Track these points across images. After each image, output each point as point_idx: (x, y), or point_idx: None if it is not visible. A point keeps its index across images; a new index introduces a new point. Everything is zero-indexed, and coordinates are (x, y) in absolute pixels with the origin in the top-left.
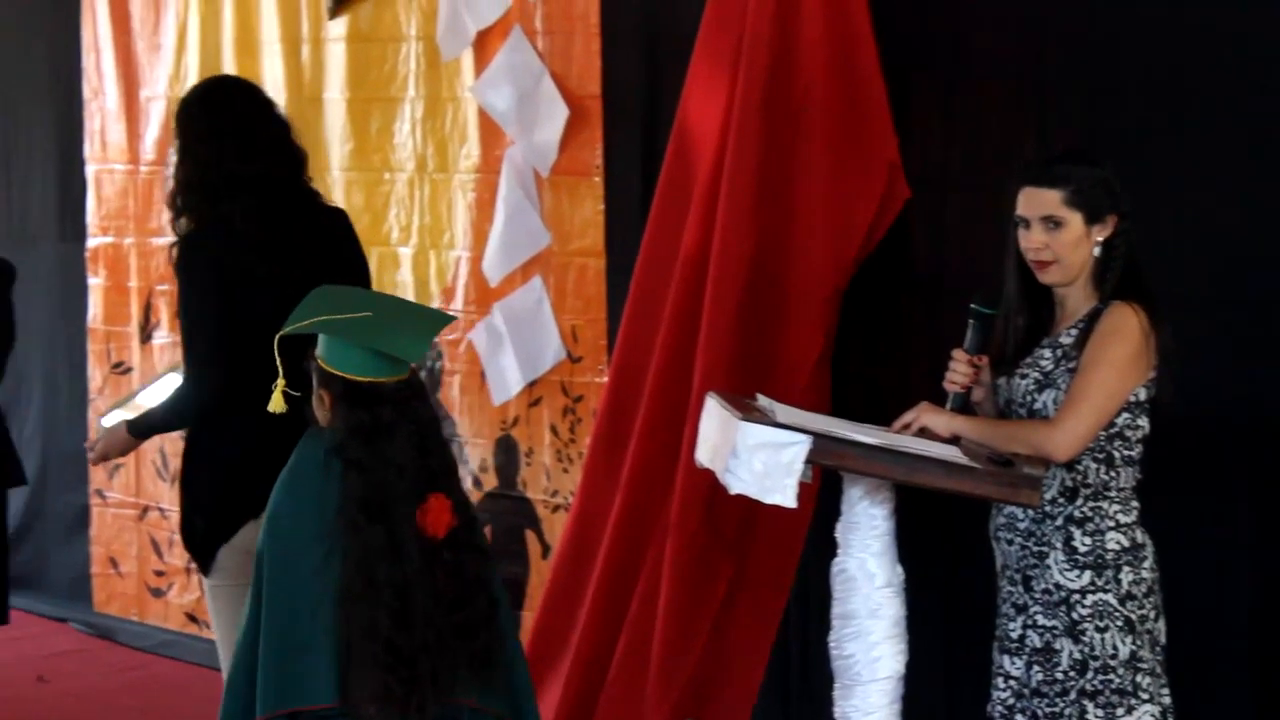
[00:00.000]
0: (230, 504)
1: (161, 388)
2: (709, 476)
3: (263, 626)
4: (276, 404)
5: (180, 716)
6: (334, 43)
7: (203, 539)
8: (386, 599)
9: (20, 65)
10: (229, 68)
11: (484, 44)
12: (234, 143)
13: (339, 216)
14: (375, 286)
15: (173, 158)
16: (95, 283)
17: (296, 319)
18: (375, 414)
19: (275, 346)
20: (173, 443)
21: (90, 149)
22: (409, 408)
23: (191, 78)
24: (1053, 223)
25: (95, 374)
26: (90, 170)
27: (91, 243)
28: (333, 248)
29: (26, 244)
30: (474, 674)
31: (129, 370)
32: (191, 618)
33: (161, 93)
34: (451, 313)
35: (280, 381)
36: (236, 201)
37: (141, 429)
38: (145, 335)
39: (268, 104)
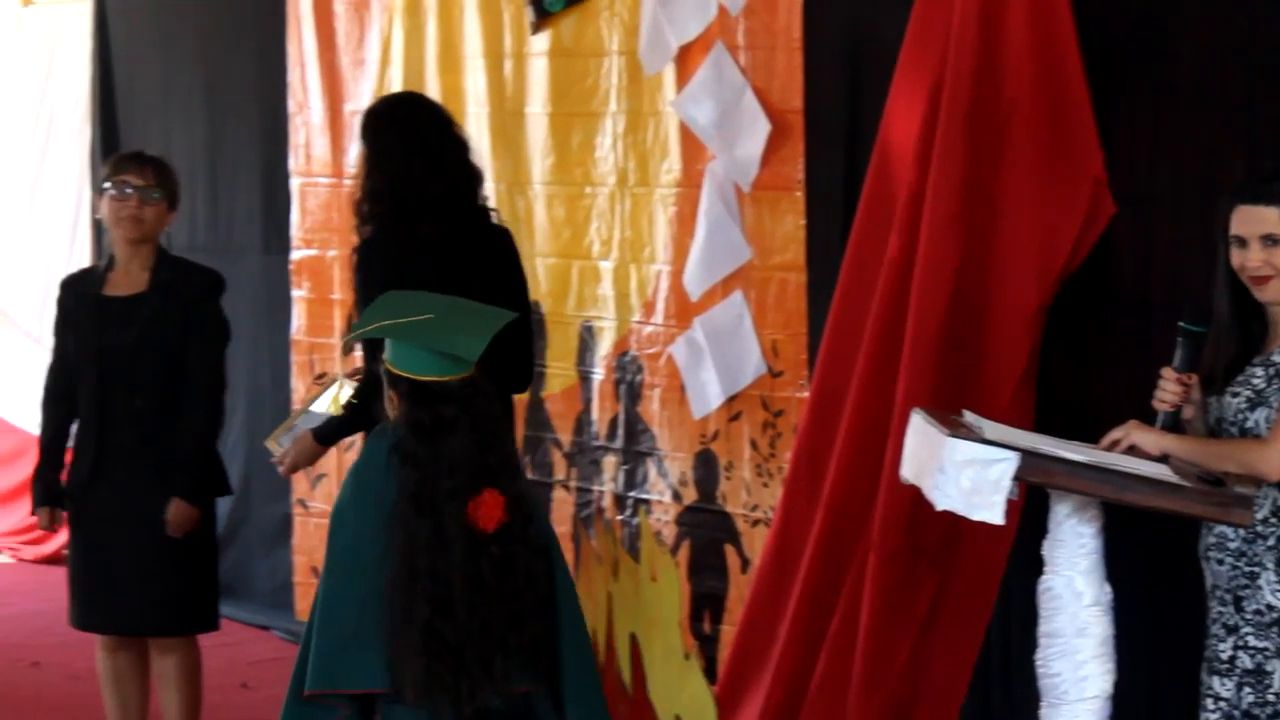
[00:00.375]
0: None
1: (327, 399)
2: (911, 493)
3: (319, 612)
4: (335, 406)
5: None
6: (536, 57)
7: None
8: (427, 588)
9: (227, 80)
10: (432, 82)
11: (686, 59)
12: (422, 160)
13: (504, 235)
14: (575, 300)
15: (353, 165)
16: (299, 295)
17: (363, 324)
18: (436, 411)
19: (341, 351)
20: None
21: (294, 162)
22: (471, 405)
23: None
24: (1271, 240)
25: (298, 385)
26: (295, 183)
27: (295, 255)
28: (494, 263)
29: (232, 256)
30: (527, 664)
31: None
32: None
33: (365, 107)
34: (647, 324)
35: (338, 387)
36: (422, 216)
37: (326, 435)
38: (348, 347)
39: (451, 123)
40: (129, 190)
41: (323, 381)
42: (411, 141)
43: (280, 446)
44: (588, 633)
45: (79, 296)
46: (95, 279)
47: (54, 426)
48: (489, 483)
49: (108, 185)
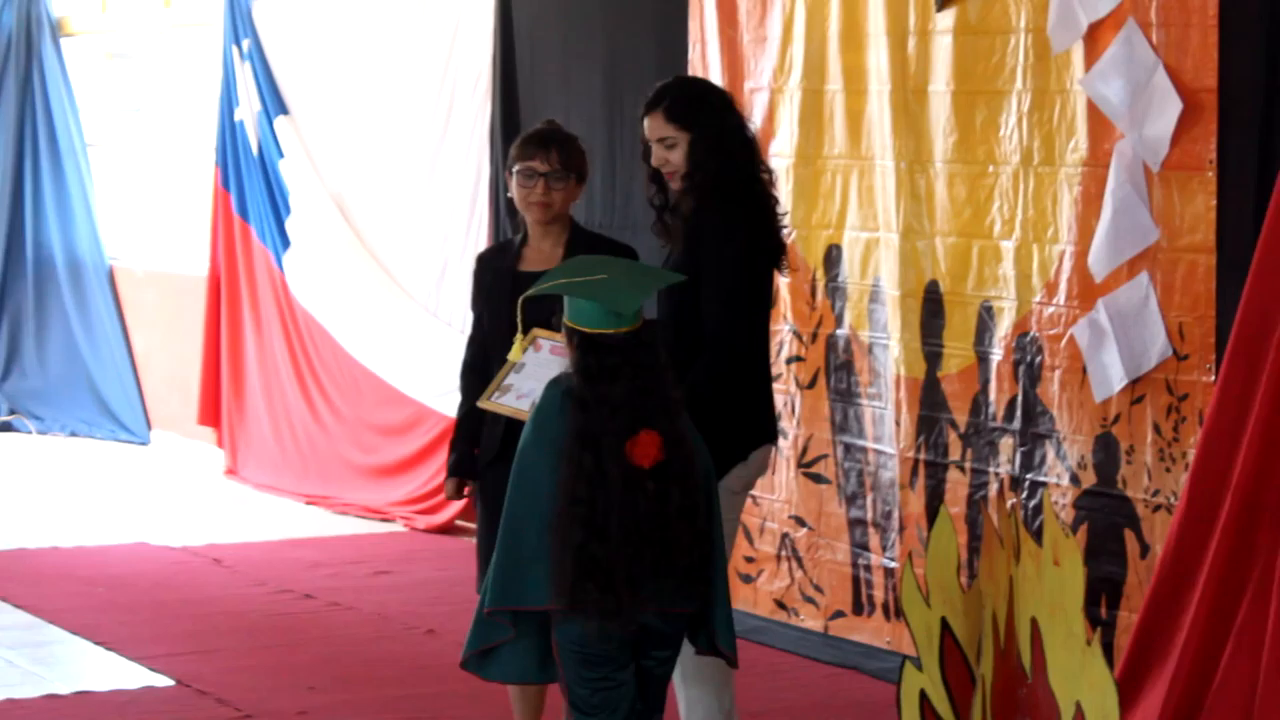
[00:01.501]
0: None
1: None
2: None
3: (499, 538)
4: (515, 354)
5: (771, 702)
6: (941, 35)
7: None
8: (583, 514)
9: (629, 59)
10: (833, 60)
11: (1095, 36)
12: (751, 147)
13: None
14: (974, 280)
15: (668, 140)
16: None
17: (545, 282)
18: (601, 360)
19: (519, 309)
20: None
21: None
22: (633, 355)
23: (796, 70)
24: None
25: None
26: None
27: None
28: None
29: (629, 234)
30: (680, 589)
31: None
32: (780, 604)
33: (765, 84)
34: (1048, 304)
35: (519, 337)
36: (756, 197)
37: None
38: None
39: None
40: (535, 176)
41: (528, 337)
42: (741, 122)
43: (492, 403)
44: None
45: (495, 271)
46: (511, 254)
47: (470, 399)
48: (647, 424)
49: (515, 168)
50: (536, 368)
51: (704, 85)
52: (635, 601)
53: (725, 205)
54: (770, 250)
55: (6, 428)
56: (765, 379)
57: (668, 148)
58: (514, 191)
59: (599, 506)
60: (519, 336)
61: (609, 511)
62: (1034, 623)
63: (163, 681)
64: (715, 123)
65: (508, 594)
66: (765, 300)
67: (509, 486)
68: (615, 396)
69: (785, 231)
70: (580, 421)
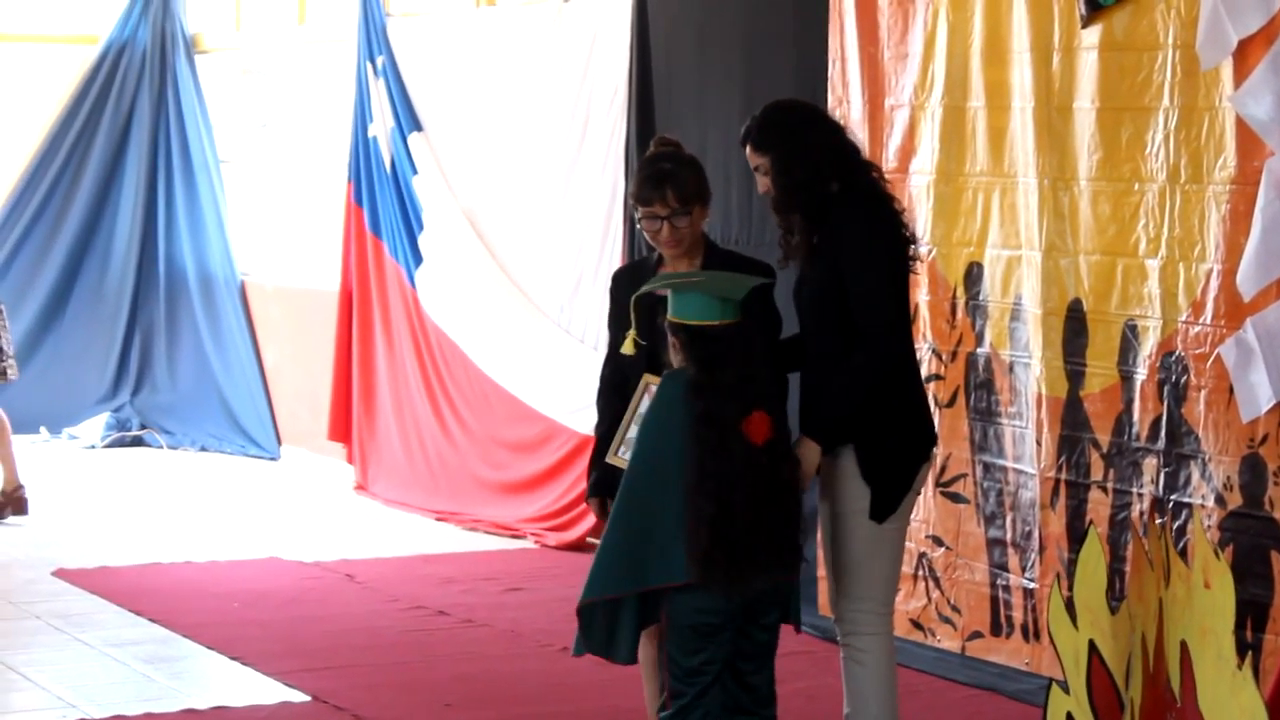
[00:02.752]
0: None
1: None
2: None
3: (616, 527)
4: (629, 347)
5: None
6: (1086, 51)
7: (896, 492)
8: (712, 489)
9: (765, 74)
10: (976, 76)
11: (1244, 52)
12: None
13: None
14: (1118, 298)
15: (760, 167)
16: None
17: (654, 283)
18: (710, 349)
19: (632, 305)
20: None
21: None
22: (735, 344)
23: (938, 86)
24: None
25: None
26: None
27: None
28: None
29: (764, 252)
30: (785, 558)
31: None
32: (916, 624)
33: (906, 101)
34: (1194, 323)
35: (632, 332)
36: (868, 198)
37: (831, 434)
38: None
39: None
40: (658, 220)
41: (645, 386)
42: (825, 137)
43: (619, 459)
44: None
45: (631, 290)
46: (647, 271)
47: (609, 417)
48: (757, 406)
49: (636, 214)
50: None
51: (785, 107)
52: (755, 570)
53: (859, 211)
54: (899, 245)
55: (138, 442)
56: (922, 392)
57: (762, 174)
58: (641, 226)
59: (725, 481)
60: (632, 333)
61: (734, 486)
62: (1184, 645)
63: (299, 697)
64: (792, 142)
65: (634, 577)
66: (909, 314)
67: (626, 477)
68: (728, 381)
69: (908, 227)
70: (701, 406)
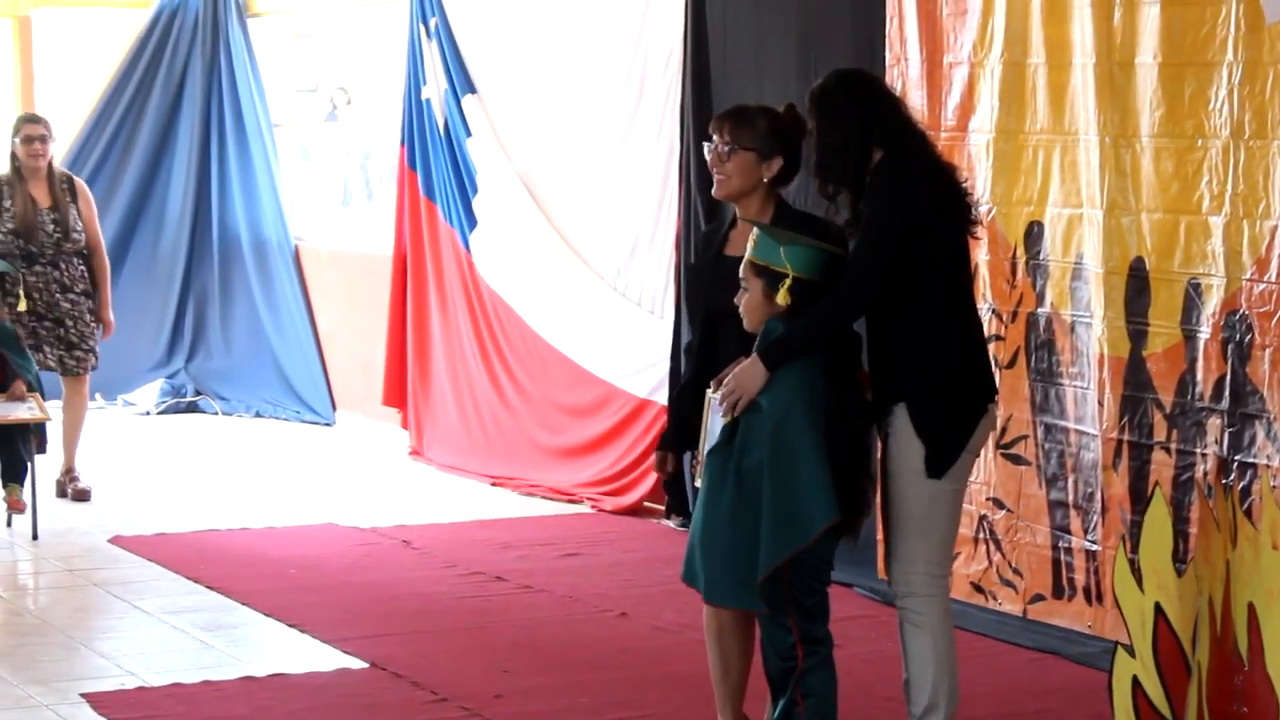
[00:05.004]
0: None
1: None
2: None
3: (772, 496)
4: (783, 297)
5: (970, 686)
6: (1148, 6)
7: (951, 448)
8: (846, 439)
9: (822, 33)
10: (1035, 32)
11: None
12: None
13: None
14: (1181, 257)
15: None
16: None
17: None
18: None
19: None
20: None
21: None
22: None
23: (998, 43)
24: None
25: None
26: None
27: None
28: None
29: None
30: (865, 498)
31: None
32: (977, 587)
33: (965, 58)
34: (1259, 281)
35: (788, 281)
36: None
37: (775, 355)
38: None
39: None
40: (708, 148)
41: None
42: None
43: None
44: None
45: (701, 254)
46: (719, 236)
47: (693, 382)
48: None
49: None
50: (714, 415)
51: (839, 74)
52: (858, 509)
53: (885, 161)
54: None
55: (193, 409)
56: (977, 346)
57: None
58: None
59: (854, 431)
60: (787, 281)
61: (858, 435)
62: (1251, 608)
63: (357, 664)
64: (832, 110)
65: (799, 532)
66: (955, 265)
67: (769, 436)
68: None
69: (968, 193)
70: (828, 360)
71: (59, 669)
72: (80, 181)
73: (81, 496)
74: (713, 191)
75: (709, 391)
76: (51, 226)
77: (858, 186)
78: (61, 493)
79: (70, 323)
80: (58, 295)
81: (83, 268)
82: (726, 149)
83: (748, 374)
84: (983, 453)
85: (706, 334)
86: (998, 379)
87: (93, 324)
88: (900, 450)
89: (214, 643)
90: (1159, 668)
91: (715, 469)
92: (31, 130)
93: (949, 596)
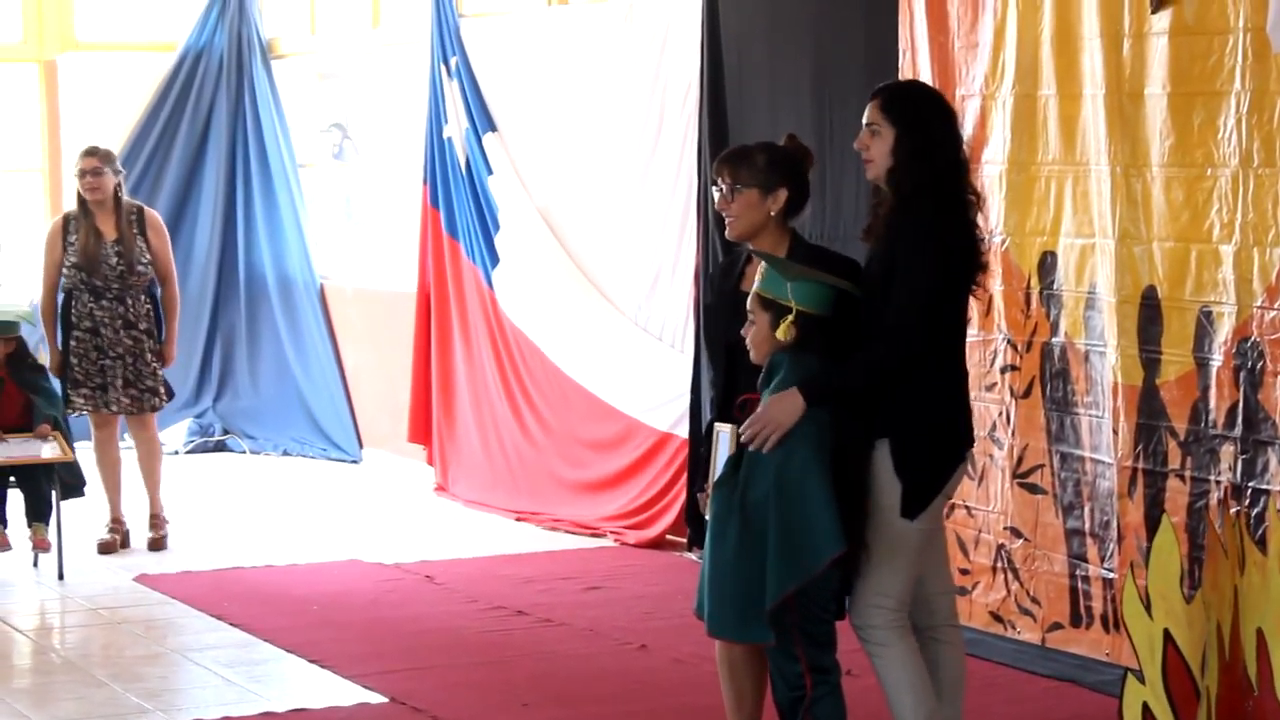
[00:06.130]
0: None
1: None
2: None
3: (781, 522)
4: (783, 333)
5: (988, 715)
6: (1156, 36)
7: (927, 490)
8: (851, 470)
9: (836, 67)
10: (1046, 64)
11: None
12: (957, 166)
13: None
14: (1192, 285)
15: (874, 126)
16: None
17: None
18: (830, 339)
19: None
20: (980, 443)
21: None
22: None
23: (1009, 75)
24: None
25: None
26: None
27: None
28: None
29: (839, 246)
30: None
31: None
32: (996, 616)
33: (977, 90)
34: (1270, 308)
35: (791, 316)
36: (958, 212)
37: (822, 394)
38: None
39: None
40: (715, 193)
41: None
42: (952, 138)
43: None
44: None
45: (719, 291)
46: (735, 272)
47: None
48: None
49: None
50: (722, 447)
51: (926, 91)
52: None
53: (929, 209)
54: (970, 271)
55: (220, 447)
56: (963, 395)
57: (872, 133)
58: None
59: (858, 463)
60: (790, 317)
61: (861, 467)
62: (1260, 634)
63: (377, 699)
64: (924, 128)
65: (806, 565)
66: (961, 318)
67: (773, 469)
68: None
69: (985, 247)
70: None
71: (84, 707)
72: (151, 212)
73: (157, 545)
74: (725, 234)
75: (716, 424)
76: (115, 260)
77: (906, 201)
78: (122, 544)
79: (130, 359)
80: (121, 332)
81: (149, 306)
82: (729, 190)
83: (783, 409)
84: (999, 482)
85: (729, 367)
86: (1013, 409)
87: (154, 363)
88: (876, 486)
89: (235, 679)
90: (1169, 694)
91: (721, 502)
92: (84, 164)
93: (910, 636)
